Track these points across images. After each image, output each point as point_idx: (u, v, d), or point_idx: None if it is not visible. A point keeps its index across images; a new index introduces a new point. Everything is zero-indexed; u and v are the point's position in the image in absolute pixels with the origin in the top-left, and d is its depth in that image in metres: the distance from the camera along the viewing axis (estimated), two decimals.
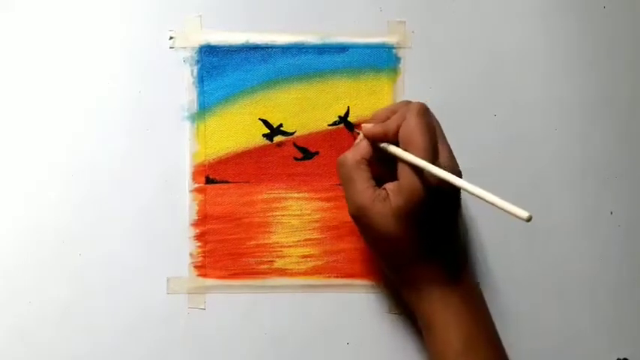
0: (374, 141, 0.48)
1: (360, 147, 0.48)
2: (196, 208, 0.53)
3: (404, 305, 0.53)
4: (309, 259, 0.54)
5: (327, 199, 0.54)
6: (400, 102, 0.50)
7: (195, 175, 0.53)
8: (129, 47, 0.53)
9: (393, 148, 0.46)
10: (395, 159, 0.46)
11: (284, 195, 0.54)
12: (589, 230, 0.55)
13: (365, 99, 0.54)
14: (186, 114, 0.53)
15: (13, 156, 0.53)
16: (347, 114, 0.54)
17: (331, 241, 0.54)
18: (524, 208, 0.55)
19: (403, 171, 0.45)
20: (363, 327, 0.53)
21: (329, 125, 0.54)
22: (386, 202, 0.45)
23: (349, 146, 0.54)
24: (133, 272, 0.53)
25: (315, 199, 0.54)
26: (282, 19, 0.54)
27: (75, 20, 0.53)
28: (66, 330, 0.52)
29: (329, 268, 0.54)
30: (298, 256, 0.53)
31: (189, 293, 0.53)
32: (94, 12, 0.53)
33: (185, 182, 0.53)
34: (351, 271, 0.54)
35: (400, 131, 0.46)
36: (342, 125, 0.54)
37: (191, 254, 0.53)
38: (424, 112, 0.46)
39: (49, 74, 0.53)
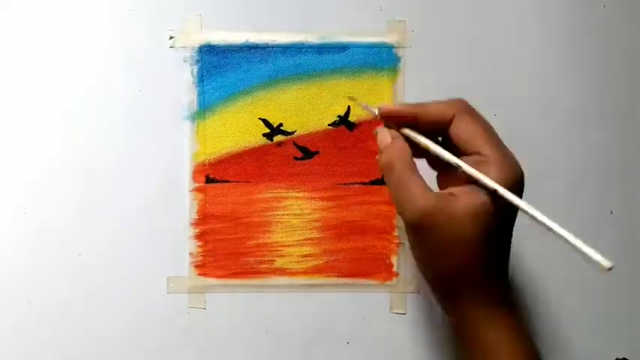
0: (399, 123, 0.42)
1: (401, 146, 0.42)
2: (196, 207, 0.53)
3: (404, 305, 0.53)
4: (309, 258, 0.54)
5: (327, 199, 0.54)
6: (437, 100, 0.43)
7: (195, 174, 0.53)
8: (129, 47, 0.53)
9: (465, 167, 0.40)
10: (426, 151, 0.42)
11: (284, 194, 0.54)
12: (588, 229, 0.55)
13: (365, 98, 0.54)
14: (186, 113, 0.53)
15: (12, 156, 0.53)
16: (347, 114, 0.54)
17: (331, 240, 0.54)
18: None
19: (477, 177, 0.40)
20: (363, 326, 0.53)
21: (329, 125, 0.54)
22: (459, 202, 0.39)
23: (349, 146, 0.54)
24: (133, 272, 0.53)
25: (315, 198, 0.54)
26: (282, 19, 0.54)
27: (75, 20, 0.53)
28: (66, 330, 0.52)
29: (329, 268, 0.53)
30: (298, 256, 0.53)
31: (189, 292, 0.53)
32: (94, 12, 0.53)
33: (185, 182, 0.53)
34: (351, 270, 0.54)
35: (456, 131, 0.41)
36: (342, 125, 0.54)
37: (191, 253, 0.53)
38: (475, 111, 0.42)
39: (49, 74, 0.53)
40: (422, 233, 0.40)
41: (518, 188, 0.41)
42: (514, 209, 0.40)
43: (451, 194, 0.39)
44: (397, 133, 0.43)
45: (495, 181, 0.39)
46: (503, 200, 0.39)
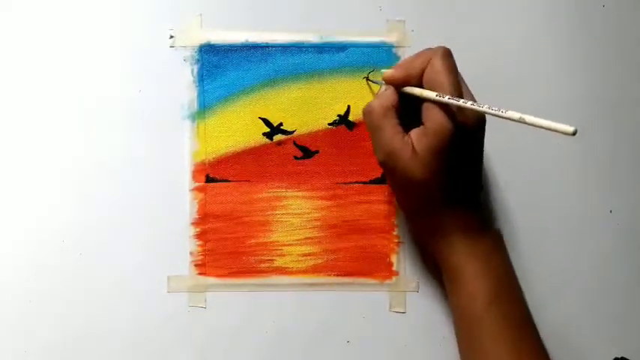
0: (397, 86, 0.47)
1: (387, 95, 0.47)
2: (197, 206, 0.53)
3: (403, 304, 0.53)
4: (309, 257, 0.54)
5: (327, 198, 0.54)
6: (422, 50, 0.48)
7: (195, 173, 0.53)
8: (129, 46, 0.53)
9: (417, 90, 0.46)
10: (418, 107, 0.46)
11: (284, 194, 0.54)
12: (588, 229, 0.55)
13: (364, 98, 0.54)
14: (186, 113, 0.54)
15: (12, 156, 0.53)
16: (347, 113, 0.54)
17: (331, 239, 0.54)
18: (524, 206, 0.56)
19: (428, 113, 0.45)
20: (363, 325, 0.53)
21: (329, 124, 0.54)
22: (413, 147, 0.45)
23: (349, 145, 0.54)
24: (134, 271, 0.53)
25: (315, 197, 0.54)
26: (282, 19, 0.54)
27: (75, 20, 0.53)
28: (66, 329, 0.52)
29: (329, 267, 0.53)
30: (298, 255, 0.53)
31: (189, 292, 0.53)
32: (94, 11, 0.53)
33: (185, 181, 0.53)
34: (351, 269, 0.54)
35: (425, 74, 0.46)
36: (342, 124, 0.54)
37: (191, 253, 0.53)
38: (449, 55, 0.46)
39: (49, 74, 0.53)
40: (388, 171, 0.47)
41: (478, 127, 0.46)
42: (469, 145, 0.46)
43: (412, 142, 0.45)
44: (386, 86, 0.48)
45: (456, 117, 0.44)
46: (455, 139, 0.44)
